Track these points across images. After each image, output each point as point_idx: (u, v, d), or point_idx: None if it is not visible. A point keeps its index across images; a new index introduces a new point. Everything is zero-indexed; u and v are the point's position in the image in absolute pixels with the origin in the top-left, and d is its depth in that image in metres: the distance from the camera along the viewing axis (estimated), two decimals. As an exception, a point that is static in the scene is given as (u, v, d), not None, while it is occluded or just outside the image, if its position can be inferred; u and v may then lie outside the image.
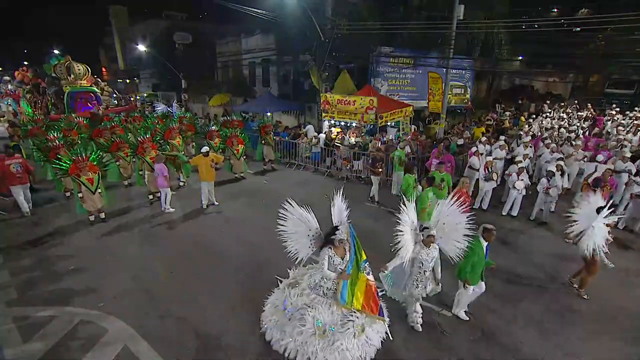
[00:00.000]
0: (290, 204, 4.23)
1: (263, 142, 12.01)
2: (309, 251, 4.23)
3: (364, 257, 4.04)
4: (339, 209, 4.20)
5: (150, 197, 8.94)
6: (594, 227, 4.89)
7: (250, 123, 15.56)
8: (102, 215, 7.90)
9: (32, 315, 4.88)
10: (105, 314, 4.90)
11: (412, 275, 4.44)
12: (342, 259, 3.98)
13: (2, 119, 17.66)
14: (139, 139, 9.04)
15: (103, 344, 4.39)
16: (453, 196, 6.11)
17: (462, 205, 4.43)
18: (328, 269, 3.95)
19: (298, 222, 4.21)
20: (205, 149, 8.62)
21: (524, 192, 8.06)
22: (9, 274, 5.84)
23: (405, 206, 4.31)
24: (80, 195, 7.35)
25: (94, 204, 7.53)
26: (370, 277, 4.05)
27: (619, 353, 4.47)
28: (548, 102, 20.67)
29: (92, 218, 7.68)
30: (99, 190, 7.53)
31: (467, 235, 4.32)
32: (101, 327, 4.65)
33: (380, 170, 9.12)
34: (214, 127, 11.36)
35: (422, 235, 4.31)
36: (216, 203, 8.84)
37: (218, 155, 9.11)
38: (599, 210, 4.98)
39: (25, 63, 29.64)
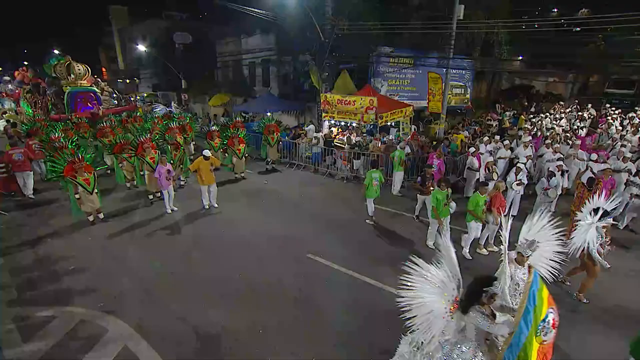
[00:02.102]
0: (415, 262, 3.11)
1: (267, 142, 12.00)
2: (443, 323, 3.07)
3: (544, 313, 3.03)
4: (450, 257, 3.21)
5: (151, 197, 8.94)
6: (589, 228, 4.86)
7: (251, 123, 15.56)
8: (101, 215, 7.91)
9: (32, 315, 4.88)
10: (105, 314, 4.90)
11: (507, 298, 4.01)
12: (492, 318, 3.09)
13: (4, 115, 17.84)
14: (139, 139, 9.05)
15: (103, 343, 4.39)
16: (492, 203, 6.12)
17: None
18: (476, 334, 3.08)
19: (432, 288, 3.09)
20: (207, 152, 8.41)
21: (521, 192, 8.05)
22: (9, 274, 5.85)
23: (503, 222, 3.83)
24: (77, 196, 7.33)
25: (92, 204, 7.53)
26: (548, 337, 3.07)
27: (619, 353, 4.46)
28: (561, 102, 20.52)
29: (91, 218, 7.69)
30: (96, 190, 7.53)
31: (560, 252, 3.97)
32: (101, 327, 4.66)
33: (432, 189, 7.28)
34: (214, 128, 11.35)
35: (514, 253, 4.08)
36: (216, 206, 8.73)
37: (216, 160, 9.03)
38: (596, 212, 4.94)
39: (25, 63, 29.71)
